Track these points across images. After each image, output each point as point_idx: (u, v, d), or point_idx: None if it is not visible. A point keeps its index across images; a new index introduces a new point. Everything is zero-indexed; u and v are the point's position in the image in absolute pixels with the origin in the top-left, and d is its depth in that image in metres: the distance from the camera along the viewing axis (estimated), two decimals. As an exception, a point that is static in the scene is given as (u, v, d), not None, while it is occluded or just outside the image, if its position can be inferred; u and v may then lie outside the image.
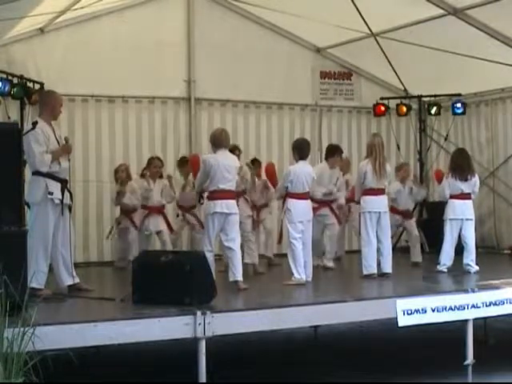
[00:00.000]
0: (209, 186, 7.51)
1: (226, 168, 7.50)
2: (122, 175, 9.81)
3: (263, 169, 9.98)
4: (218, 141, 7.60)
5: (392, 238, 10.49)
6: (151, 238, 9.98)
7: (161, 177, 9.86)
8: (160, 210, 9.84)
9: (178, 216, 10.16)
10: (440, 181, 9.53)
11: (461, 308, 6.78)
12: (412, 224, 10.16)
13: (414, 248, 10.02)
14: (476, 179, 9.08)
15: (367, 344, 8.19)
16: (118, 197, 9.69)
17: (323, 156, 10.01)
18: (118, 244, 10.20)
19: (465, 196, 8.97)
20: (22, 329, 4.78)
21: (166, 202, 9.96)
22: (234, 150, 9.04)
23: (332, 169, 9.55)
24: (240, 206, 8.23)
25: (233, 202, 7.57)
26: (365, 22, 10.50)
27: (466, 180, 8.95)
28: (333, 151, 9.68)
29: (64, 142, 7.13)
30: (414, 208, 11.57)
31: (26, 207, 6.78)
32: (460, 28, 9.93)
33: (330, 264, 9.52)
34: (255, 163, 10.00)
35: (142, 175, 9.93)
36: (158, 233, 9.82)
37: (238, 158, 9.11)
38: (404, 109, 12.59)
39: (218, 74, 11.45)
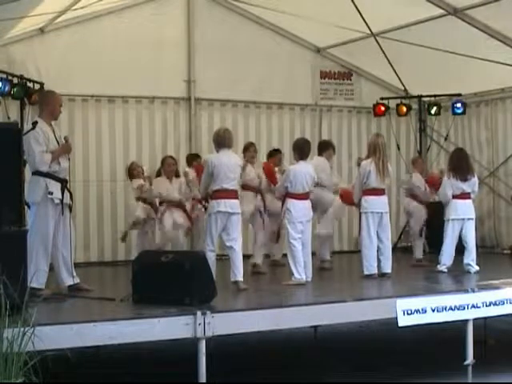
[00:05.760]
0: (212, 185, 7.51)
1: (229, 168, 7.50)
2: (139, 170, 9.83)
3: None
4: (221, 140, 7.60)
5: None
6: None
7: (177, 175, 9.76)
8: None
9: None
10: (435, 186, 9.54)
11: (461, 308, 6.77)
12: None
13: (419, 242, 10.02)
14: (475, 179, 9.10)
15: (367, 344, 8.19)
16: (145, 189, 9.61)
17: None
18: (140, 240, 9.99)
19: (466, 196, 8.97)
20: (21, 329, 4.79)
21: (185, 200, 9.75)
22: (250, 147, 9.09)
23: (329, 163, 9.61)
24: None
25: (236, 201, 7.57)
26: (365, 21, 10.50)
27: (466, 180, 8.95)
28: (326, 146, 9.73)
29: (64, 141, 7.14)
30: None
31: (26, 207, 6.78)
32: (460, 28, 9.92)
33: (327, 257, 9.53)
34: (274, 153, 10.08)
35: (158, 175, 9.87)
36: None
37: (255, 157, 9.21)
38: (404, 109, 12.59)
39: (218, 74, 11.45)
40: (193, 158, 10.30)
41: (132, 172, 9.94)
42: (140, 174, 9.83)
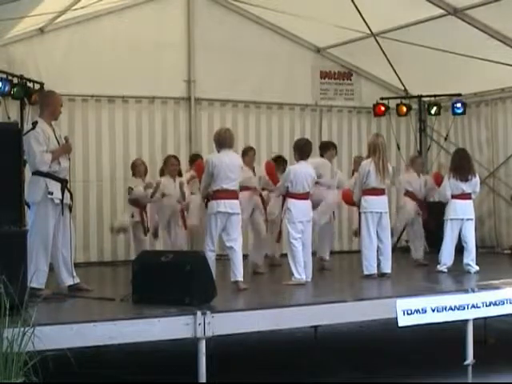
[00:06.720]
0: (212, 185, 7.51)
1: (230, 168, 7.49)
2: (140, 168, 9.81)
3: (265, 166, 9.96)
4: (223, 140, 7.60)
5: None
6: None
7: (180, 175, 9.76)
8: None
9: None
10: (439, 184, 9.54)
11: (461, 308, 6.77)
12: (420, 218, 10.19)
13: (418, 243, 10.01)
14: (477, 179, 9.09)
15: (367, 344, 8.19)
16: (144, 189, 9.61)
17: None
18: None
19: (466, 196, 8.96)
20: (22, 329, 4.78)
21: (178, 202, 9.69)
22: (249, 151, 9.11)
23: (331, 164, 9.57)
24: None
25: (236, 201, 7.56)
26: (365, 21, 10.50)
27: (467, 180, 8.95)
28: (328, 146, 9.70)
29: (64, 141, 7.14)
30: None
31: (26, 207, 6.78)
32: (460, 28, 9.92)
33: (326, 257, 9.53)
34: (278, 160, 10.08)
35: (161, 174, 9.86)
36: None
37: (253, 159, 9.21)
38: (404, 109, 12.59)
39: (218, 74, 11.45)
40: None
41: (133, 169, 9.94)
42: (141, 174, 9.81)
